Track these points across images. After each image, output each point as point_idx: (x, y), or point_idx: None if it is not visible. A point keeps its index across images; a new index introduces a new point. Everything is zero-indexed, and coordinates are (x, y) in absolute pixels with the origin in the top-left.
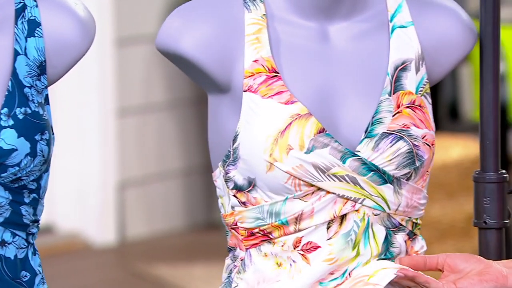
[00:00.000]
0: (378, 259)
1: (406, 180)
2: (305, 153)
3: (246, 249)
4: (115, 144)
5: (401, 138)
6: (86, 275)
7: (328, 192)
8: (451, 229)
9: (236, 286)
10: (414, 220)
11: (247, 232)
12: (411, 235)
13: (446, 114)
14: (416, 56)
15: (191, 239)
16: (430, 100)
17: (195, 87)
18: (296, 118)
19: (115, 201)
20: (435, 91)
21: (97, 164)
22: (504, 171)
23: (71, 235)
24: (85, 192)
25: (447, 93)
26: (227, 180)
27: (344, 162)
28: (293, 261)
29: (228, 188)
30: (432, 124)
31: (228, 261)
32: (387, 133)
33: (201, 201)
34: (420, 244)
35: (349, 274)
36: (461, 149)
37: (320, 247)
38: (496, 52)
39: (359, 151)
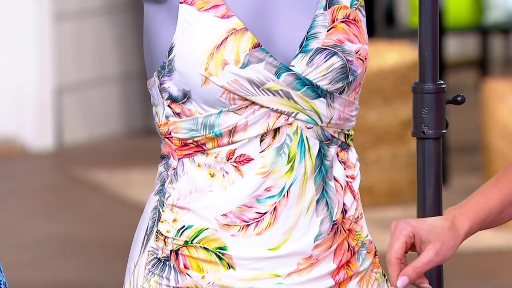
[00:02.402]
0: (314, 176)
1: (339, 94)
2: (240, 68)
3: (179, 159)
4: (51, 49)
5: (335, 53)
6: (24, 180)
7: (262, 106)
8: (386, 135)
9: (169, 196)
10: (346, 132)
11: (181, 142)
12: (344, 146)
13: (382, 20)
14: None
15: (129, 144)
16: (364, 12)
17: None
18: (232, 33)
19: (53, 106)
20: None
21: (33, 70)
22: (442, 81)
23: (8, 139)
24: (22, 97)
25: None
26: (161, 90)
27: (278, 77)
28: (226, 172)
29: (162, 98)
30: (366, 37)
31: (161, 168)
32: (322, 48)
33: (138, 106)
34: (354, 155)
35: (287, 192)
36: (397, 55)
37: (253, 159)
38: None
39: (293, 66)
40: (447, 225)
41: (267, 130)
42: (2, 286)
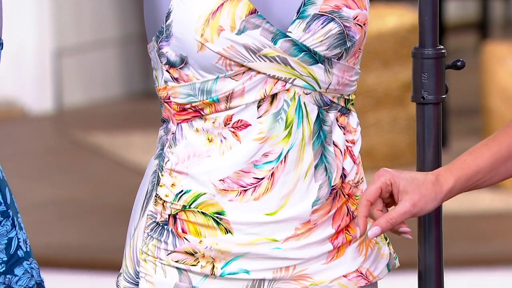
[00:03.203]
0: (313, 141)
1: (337, 59)
2: (236, 34)
3: (178, 124)
4: (50, 12)
5: (333, 19)
6: (23, 143)
7: (259, 72)
8: (386, 98)
9: (168, 160)
10: (346, 97)
11: (179, 107)
12: (344, 111)
13: None
14: None
15: (129, 107)
16: None
17: None
18: None
19: (52, 68)
20: None
21: (33, 32)
22: (442, 46)
23: (8, 102)
24: (21, 60)
25: None
26: (160, 55)
27: (275, 43)
28: (224, 137)
29: (161, 63)
30: (365, 3)
31: (161, 132)
32: (319, 14)
33: (138, 69)
34: (355, 119)
35: (285, 158)
36: (397, 18)
37: (250, 125)
38: None
39: (290, 32)
40: (431, 179)
41: (264, 96)
42: (21, 243)
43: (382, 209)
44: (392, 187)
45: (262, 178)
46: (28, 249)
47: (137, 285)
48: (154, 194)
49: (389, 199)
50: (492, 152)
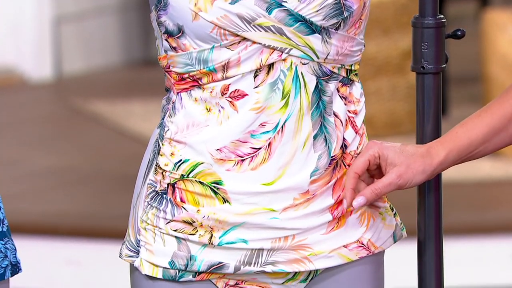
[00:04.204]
0: (311, 112)
1: (335, 30)
2: (230, 3)
3: (178, 93)
4: None
5: None
6: (23, 110)
7: (254, 42)
8: (386, 66)
9: (168, 129)
10: (347, 67)
11: (178, 76)
12: (346, 81)
13: None
14: None
15: (128, 75)
16: None
17: None
18: None
19: (51, 36)
20: None
21: None
22: (442, 16)
23: (7, 70)
24: (20, 27)
25: None
26: (159, 24)
27: (270, 13)
28: (222, 107)
29: (161, 32)
30: None
31: (164, 101)
32: None
33: (138, 37)
34: (358, 90)
35: (282, 128)
36: None
37: (247, 95)
38: None
39: (285, 2)
40: (421, 152)
41: (261, 66)
42: None
43: (364, 177)
44: (380, 159)
45: (259, 148)
46: (4, 229)
47: (138, 253)
48: (154, 163)
49: (376, 171)
50: (484, 124)
